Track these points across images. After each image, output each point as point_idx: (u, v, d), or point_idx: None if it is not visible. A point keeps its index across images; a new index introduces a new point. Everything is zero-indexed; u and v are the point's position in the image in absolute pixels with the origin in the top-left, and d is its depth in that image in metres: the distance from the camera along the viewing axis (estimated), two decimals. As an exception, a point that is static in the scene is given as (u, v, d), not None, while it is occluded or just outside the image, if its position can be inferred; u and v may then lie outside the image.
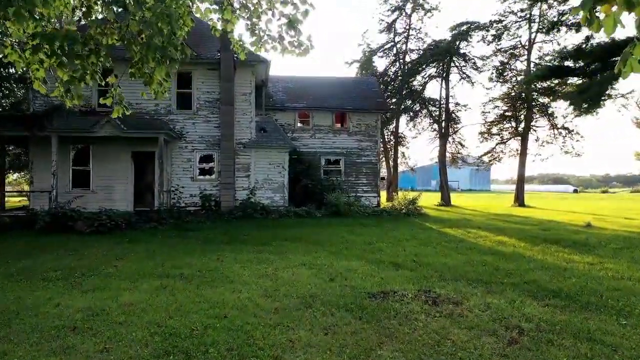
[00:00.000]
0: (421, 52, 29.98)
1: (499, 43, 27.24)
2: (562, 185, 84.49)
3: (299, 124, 21.60)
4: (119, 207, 16.26)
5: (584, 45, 14.24)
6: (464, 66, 28.27)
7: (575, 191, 70.83)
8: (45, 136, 15.01)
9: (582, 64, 15.15)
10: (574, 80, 16.04)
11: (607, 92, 13.61)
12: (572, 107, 16.06)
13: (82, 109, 16.63)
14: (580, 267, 7.95)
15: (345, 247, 10.47)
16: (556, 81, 15.99)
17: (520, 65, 28.39)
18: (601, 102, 13.90)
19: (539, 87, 21.26)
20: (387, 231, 13.23)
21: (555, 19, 19.97)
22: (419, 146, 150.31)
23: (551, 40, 27.18)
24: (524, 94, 26.30)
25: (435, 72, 29.38)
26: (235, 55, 17.46)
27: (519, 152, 28.31)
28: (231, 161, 17.19)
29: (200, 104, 17.27)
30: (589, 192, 76.59)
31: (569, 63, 15.72)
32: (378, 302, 5.71)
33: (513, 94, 27.25)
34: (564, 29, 23.69)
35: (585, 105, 13.71)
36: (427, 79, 30.06)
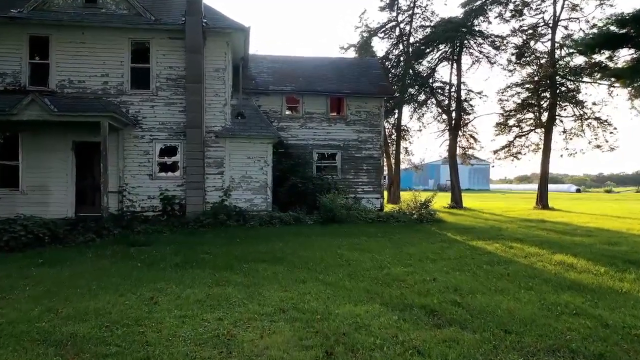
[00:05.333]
0: (428, 31, 26.96)
1: (521, 18, 24.31)
2: (563, 184, 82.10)
3: (286, 111, 18.59)
4: (56, 213, 13.29)
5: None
6: (481, 44, 25.27)
7: (578, 191, 68.47)
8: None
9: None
10: (629, 52, 13.27)
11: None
12: (630, 87, 13.29)
13: (8, 87, 13.51)
14: None
15: (346, 273, 7.50)
16: (606, 54, 13.39)
17: (542, 47, 25.61)
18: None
19: (583, 64, 18.58)
20: (401, 245, 10.27)
21: None
22: (420, 142, 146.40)
23: (578, 19, 24.47)
24: (549, 79, 23.41)
25: (446, 54, 26.38)
26: (205, 20, 14.49)
27: (539, 146, 25.51)
28: (200, 154, 14.13)
29: (160, 82, 14.17)
30: (591, 191, 74.35)
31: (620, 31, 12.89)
32: None
33: (537, 78, 24.30)
34: (593, 2, 20.82)
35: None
36: (436, 61, 27.07)
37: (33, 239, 10.06)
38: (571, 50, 20.03)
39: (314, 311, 5.41)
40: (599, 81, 21.57)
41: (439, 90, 28.00)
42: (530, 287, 6.46)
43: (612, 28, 11.85)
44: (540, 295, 6.04)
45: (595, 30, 21.77)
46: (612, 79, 16.69)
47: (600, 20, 16.32)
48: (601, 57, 13.22)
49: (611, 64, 14.29)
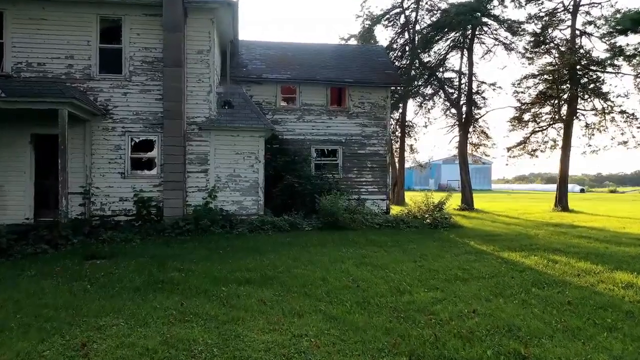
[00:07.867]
0: (437, 17, 25.23)
1: (539, 2, 22.62)
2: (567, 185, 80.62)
3: (281, 102, 16.89)
4: (13, 217, 11.71)
5: None
6: (497, 29, 23.52)
7: (582, 191, 67.01)
8: None
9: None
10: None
11: None
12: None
13: (-45, 71, 11.78)
14: None
15: (356, 300, 5.82)
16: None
17: (560, 34, 23.93)
18: None
19: (606, 53, 17.05)
20: (420, 258, 8.59)
21: None
22: (425, 139, 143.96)
23: (600, 4, 22.83)
24: (570, 68, 21.70)
25: (456, 41, 24.61)
26: (185, -6, 12.75)
27: (557, 143, 23.88)
28: (180, 149, 12.42)
29: (134, 65, 12.44)
30: (595, 191, 72.83)
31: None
32: None
33: (556, 67, 22.56)
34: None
35: None
36: (445, 50, 25.32)
37: (-34, 252, 8.38)
38: (606, 30, 18.38)
39: (313, 371, 3.72)
40: (623, 71, 20.02)
41: (448, 82, 26.33)
42: (613, 326, 4.78)
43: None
44: (634, 341, 4.35)
45: (619, 16, 20.27)
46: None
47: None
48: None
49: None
